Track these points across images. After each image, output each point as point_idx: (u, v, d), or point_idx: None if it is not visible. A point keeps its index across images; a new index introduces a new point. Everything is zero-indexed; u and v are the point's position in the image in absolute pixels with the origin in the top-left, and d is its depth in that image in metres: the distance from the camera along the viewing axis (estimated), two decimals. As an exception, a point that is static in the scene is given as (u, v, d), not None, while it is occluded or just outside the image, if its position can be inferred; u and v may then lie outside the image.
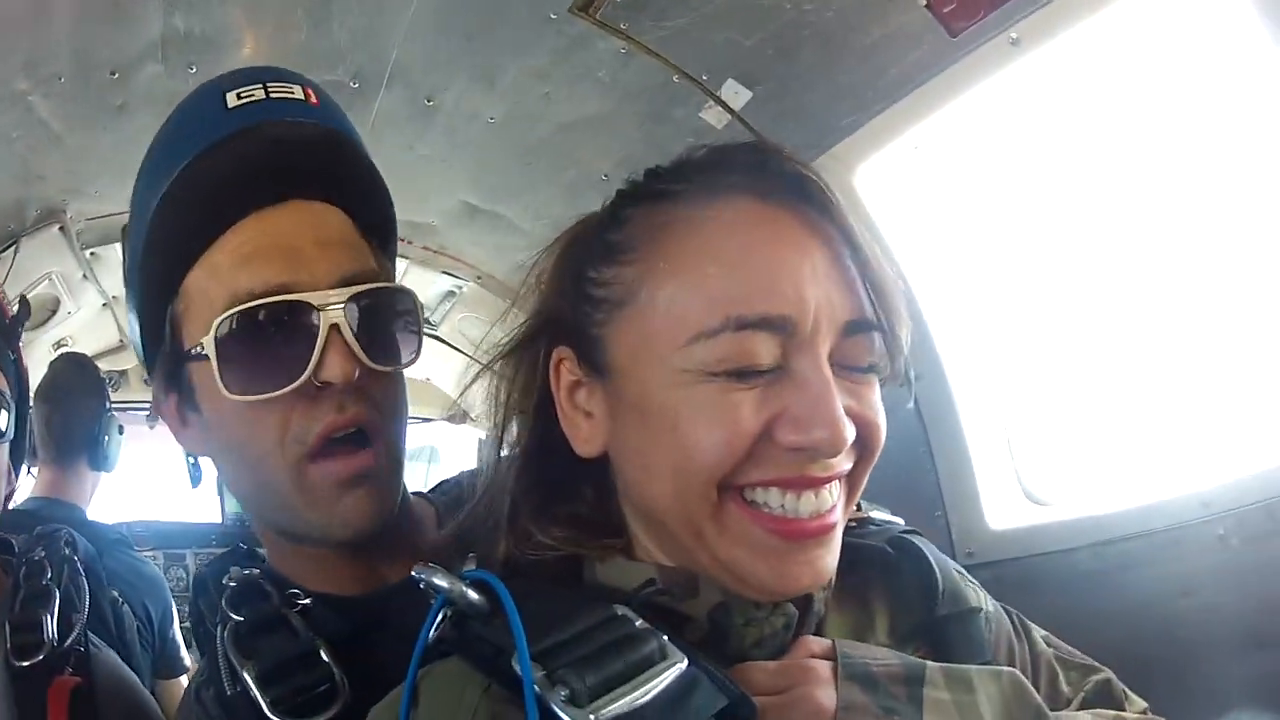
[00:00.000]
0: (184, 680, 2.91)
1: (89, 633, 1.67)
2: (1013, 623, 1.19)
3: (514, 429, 1.09)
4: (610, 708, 0.81)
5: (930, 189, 2.46)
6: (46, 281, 3.08)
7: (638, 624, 0.90)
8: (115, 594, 2.70)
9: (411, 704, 0.92)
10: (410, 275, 3.67)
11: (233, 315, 1.18)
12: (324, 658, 1.19)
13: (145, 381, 1.40)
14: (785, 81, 2.40)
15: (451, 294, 3.92)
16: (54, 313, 3.22)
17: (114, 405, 3.05)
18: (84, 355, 3.13)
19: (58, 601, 1.64)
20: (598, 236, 1.03)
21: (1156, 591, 2.07)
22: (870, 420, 0.94)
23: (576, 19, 2.38)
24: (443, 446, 5.65)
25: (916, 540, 1.16)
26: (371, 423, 1.25)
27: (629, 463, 0.99)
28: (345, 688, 1.16)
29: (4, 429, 1.46)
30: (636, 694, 0.82)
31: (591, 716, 0.80)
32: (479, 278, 3.74)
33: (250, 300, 1.18)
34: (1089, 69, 2.09)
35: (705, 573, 0.96)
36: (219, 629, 1.23)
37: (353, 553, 1.30)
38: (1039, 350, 2.56)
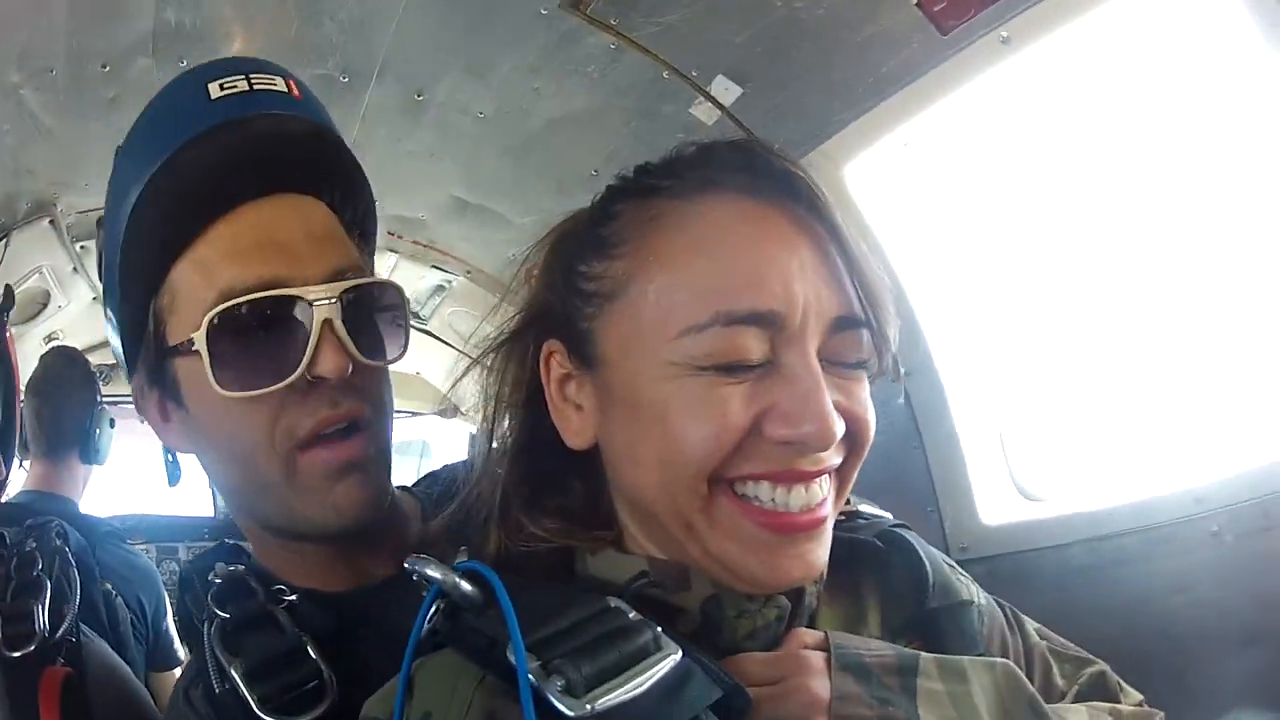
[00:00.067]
0: (178, 673, 2.92)
1: (80, 623, 1.68)
2: (1005, 615, 1.19)
3: (504, 422, 1.09)
4: (606, 698, 0.81)
5: (920, 186, 2.45)
6: (37, 275, 3.08)
7: (631, 616, 0.90)
8: (108, 587, 2.71)
9: (406, 696, 0.92)
10: (400, 269, 3.68)
11: (224, 310, 1.17)
12: (311, 654, 1.19)
13: (124, 374, 1.38)
14: (775, 78, 2.40)
15: (441, 288, 3.92)
16: (44, 306, 3.22)
17: (105, 399, 3.04)
18: (75, 349, 3.12)
19: (49, 592, 1.64)
20: (588, 231, 1.03)
21: (1150, 587, 2.08)
22: (859, 415, 0.94)
23: (567, 15, 2.38)
24: (434, 441, 5.66)
25: (906, 534, 1.16)
26: (362, 418, 1.25)
27: (619, 455, 0.99)
28: (333, 684, 1.16)
29: None
30: (632, 685, 0.82)
31: (588, 707, 0.80)
32: (469, 272, 3.74)
33: (242, 295, 1.18)
34: (1079, 68, 2.08)
35: (696, 565, 0.96)
36: (205, 626, 1.22)
37: (339, 548, 1.30)
38: (1031, 346, 2.56)
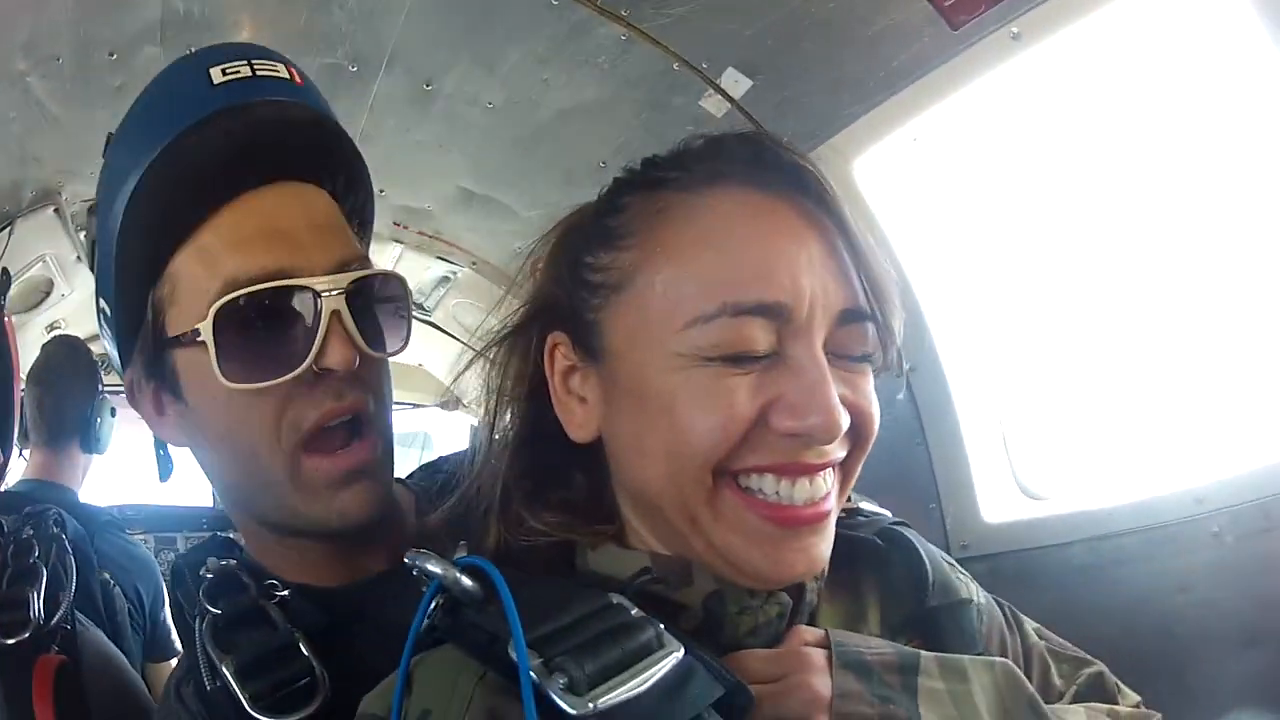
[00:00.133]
0: (175, 663, 2.91)
1: (76, 611, 1.67)
2: (1004, 614, 1.20)
3: (506, 415, 1.09)
4: (608, 696, 0.80)
5: (929, 182, 2.45)
6: (40, 264, 3.05)
7: (633, 612, 0.90)
8: (107, 576, 2.70)
9: (405, 692, 0.91)
10: (405, 260, 3.67)
11: (232, 300, 1.16)
12: (303, 651, 1.18)
13: (116, 370, 1.36)
14: (785, 71, 2.39)
15: (446, 279, 3.90)
16: (47, 295, 3.20)
17: (107, 388, 3.04)
18: (77, 338, 3.11)
19: (44, 580, 1.63)
20: (595, 223, 1.03)
21: (1151, 587, 2.08)
22: (864, 409, 0.95)
23: (577, 5, 2.38)
24: (436, 433, 5.66)
25: (906, 531, 1.17)
26: (366, 410, 1.25)
27: (623, 447, 0.99)
28: (325, 682, 1.16)
29: None
30: (635, 682, 0.82)
31: (590, 705, 0.79)
32: (474, 263, 3.73)
33: (247, 285, 1.16)
34: (1089, 65, 2.08)
35: (699, 559, 0.96)
36: (197, 621, 1.22)
37: (334, 544, 1.29)
38: (1035, 344, 2.56)
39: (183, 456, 1.36)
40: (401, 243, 3.61)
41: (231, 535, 1.39)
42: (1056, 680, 1.18)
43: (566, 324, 1.02)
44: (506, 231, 3.41)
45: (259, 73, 1.23)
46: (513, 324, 1.08)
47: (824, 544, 0.95)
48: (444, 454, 1.59)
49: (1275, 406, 2.00)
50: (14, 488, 2.80)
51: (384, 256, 3.59)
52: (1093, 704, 1.13)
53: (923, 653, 1.00)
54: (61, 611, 1.65)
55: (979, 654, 1.08)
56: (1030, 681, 1.04)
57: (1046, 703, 1.02)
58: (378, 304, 1.27)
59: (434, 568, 0.93)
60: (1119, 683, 1.20)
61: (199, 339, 1.17)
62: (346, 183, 1.33)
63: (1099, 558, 2.18)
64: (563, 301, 1.03)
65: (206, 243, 1.19)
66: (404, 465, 1.43)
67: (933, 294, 2.50)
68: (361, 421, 1.25)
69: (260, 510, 1.29)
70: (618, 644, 0.85)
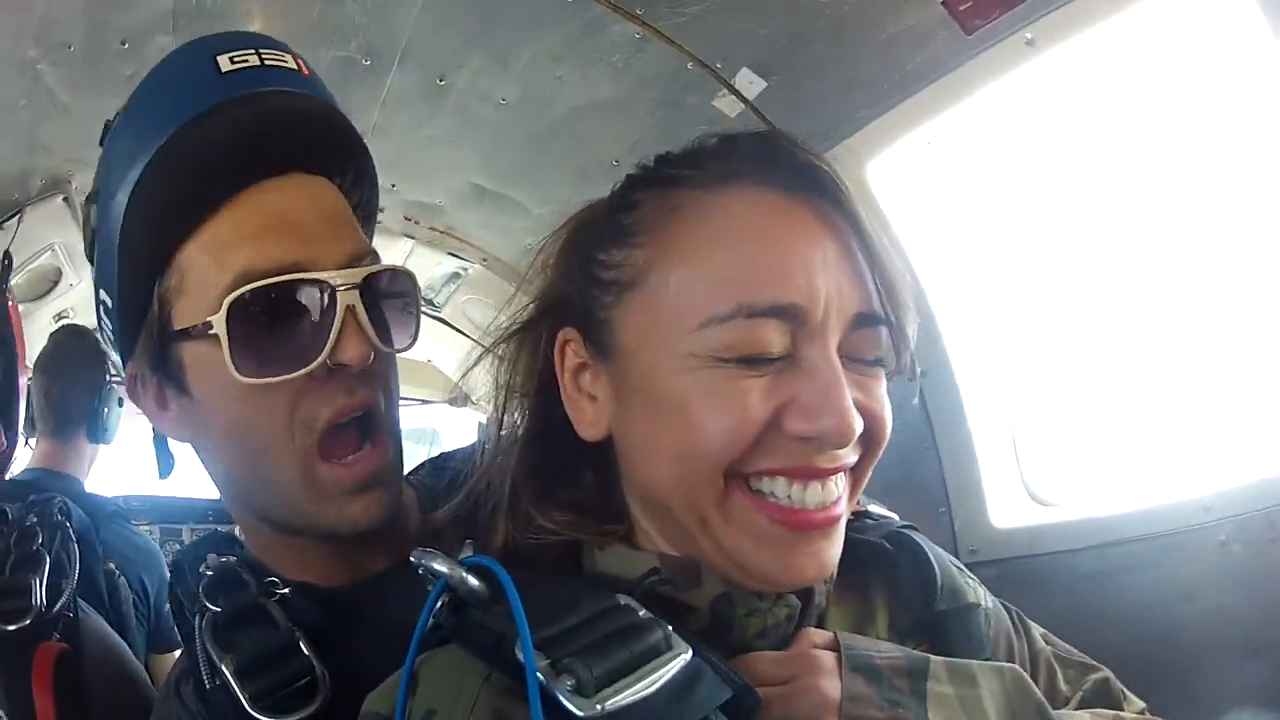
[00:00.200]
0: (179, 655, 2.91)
1: (79, 599, 1.66)
2: (1012, 619, 1.20)
3: (515, 412, 1.08)
4: (616, 698, 0.80)
5: (942, 186, 2.45)
6: (49, 252, 3.04)
7: (641, 614, 0.89)
8: (112, 566, 2.70)
9: (409, 691, 0.91)
10: (416, 255, 3.66)
11: (245, 293, 1.14)
12: (303, 650, 1.17)
13: (114, 364, 1.35)
14: (799, 72, 2.40)
15: (457, 275, 3.90)
16: (56, 284, 3.19)
17: (114, 378, 3.03)
18: (85, 327, 3.10)
19: (47, 567, 1.63)
20: (608, 219, 1.03)
21: (1158, 594, 2.08)
22: (877, 413, 0.94)
23: (592, 2, 2.37)
24: (444, 429, 5.66)
25: (914, 535, 1.16)
26: (378, 407, 1.24)
27: (634, 447, 0.99)
28: (325, 681, 1.15)
29: None
30: (642, 684, 0.81)
31: (598, 707, 0.79)
32: (485, 260, 3.73)
33: (260, 278, 1.15)
34: (1103, 72, 2.09)
35: (707, 561, 0.96)
36: (197, 619, 1.21)
37: (337, 543, 1.27)
38: (1046, 350, 2.56)
39: (184, 449, 1.34)
40: (413, 238, 3.60)
41: (234, 533, 1.38)
42: (1063, 685, 1.17)
43: (577, 321, 1.02)
44: (518, 228, 3.41)
45: (267, 62, 1.21)
46: (523, 320, 1.08)
47: (834, 548, 0.95)
48: (447, 450, 1.58)
49: None
50: (20, 476, 2.80)
51: (395, 251, 3.58)
52: (1098, 710, 1.13)
53: (932, 657, 0.99)
54: (64, 599, 1.64)
55: (986, 658, 1.09)
56: (1037, 686, 1.03)
57: (1053, 708, 1.02)
58: (388, 299, 1.26)
59: (440, 567, 0.92)
60: (1124, 689, 1.19)
61: (210, 332, 1.15)
62: (355, 176, 1.32)
63: (1107, 564, 2.19)
64: (574, 298, 1.03)
65: (217, 234, 1.17)
66: (411, 461, 1.42)
67: (945, 298, 2.51)
68: (372, 419, 1.23)
69: (265, 508, 1.27)
70: (625, 645, 0.84)
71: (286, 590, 1.25)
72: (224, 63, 1.18)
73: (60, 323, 3.25)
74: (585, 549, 1.03)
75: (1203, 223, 2.17)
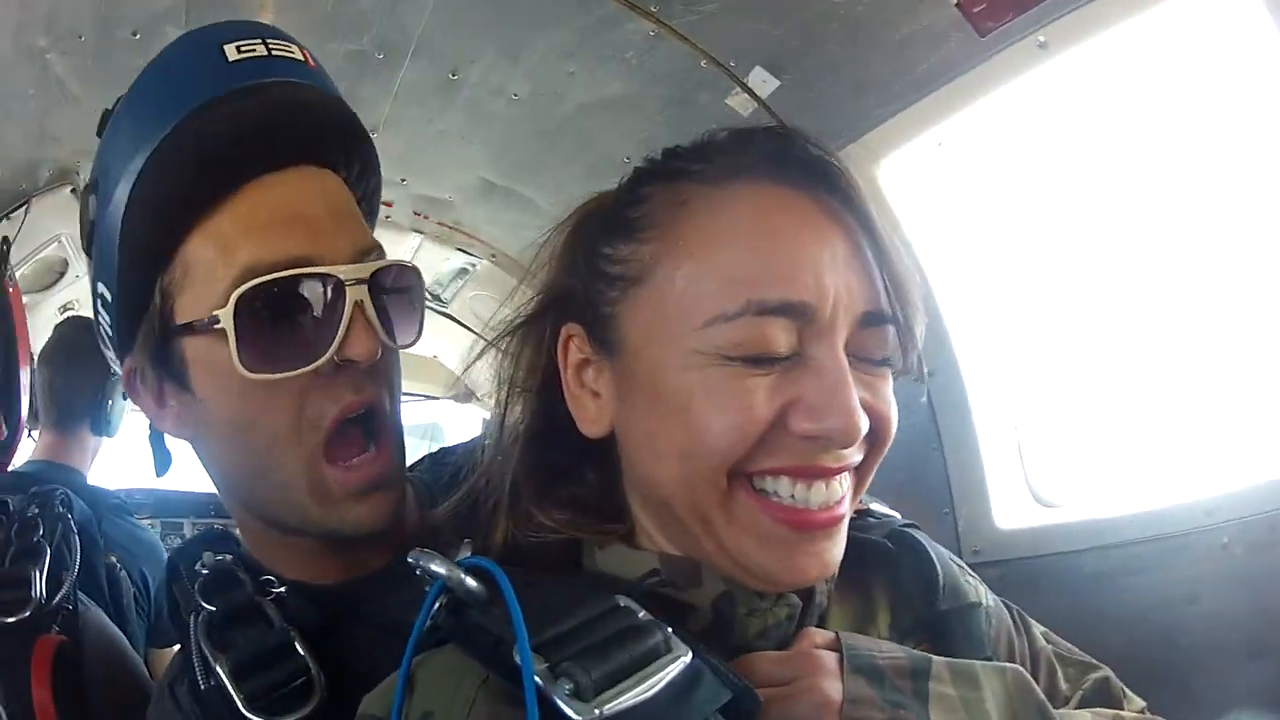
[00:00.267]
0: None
1: (79, 592, 1.65)
2: (1013, 617, 1.19)
3: (517, 408, 1.07)
4: (614, 702, 0.79)
5: (952, 187, 2.46)
6: (56, 243, 3.03)
7: (641, 615, 0.88)
8: (113, 559, 2.69)
9: (406, 693, 0.90)
10: (424, 250, 3.66)
11: (254, 287, 1.12)
12: (299, 650, 1.16)
13: (111, 360, 1.31)
14: (812, 72, 2.40)
15: (465, 271, 3.90)
16: (62, 275, 3.17)
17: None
18: (90, 319, 3.10)
19: (48, 559, 1.62)
20: (614, 213, 1.01)
21: (1160, 597, 2.09)
22: (883, 413, 0.94)
23: (607, -3, 2.37)
24: (449, 425, 5.65)
25: (916, 534, 1.16)
26: (381, 404, 1.22)
27: (637, 445, 0.98)
28: (321, 682, 1.14)
29: None
30: (642, 688, 0.81)
31: (596, 711, 0.78)
32: (493, 255, 3.73)
33: (267, 272, 1.13)
34: (1115, 75, 2.09)
35: (709, 560, 0.95)
36: (192, 618, 1.19)
37: (337, 543, 1.25)
38: (1052, 352, 2.57)
39: (182, 444, 1.32)
40: (421, 233, 3.61)
41: (229, 530, 1.37)
42: (1063, 684, 1.17)
43: (581, 316, 1.01)
44: (527, 224, 3.40)
45: (274, 52, 1.20)
46: (526, 314, 1.07)
47: (837, 548, 0.94)
48: (447, 445, 1.57)
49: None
50: (22, 468, 2.78)
51: (403, 246, 3.58)
52: (1099, 709, 1.12)
53: (934, 658, 0.98)
54: (64, 591, 1.63)
55: (988, 657, 1.08)
56: (1037, 685, 1.03)
57: (1053, 707, 1.01)
58: (395, 294, 1.25)
59: (438, 568, 0.91)
60: (1125, 688, 1.19)
61: (216, 326, 1.13)
62: (360, 169, 1.31)
63: (1110, 566, 2.19)
64: (578, 293, 1.01)
65: (222, 226, 1.15)
66: (413, 456, 1.42)
67: (953, 299, 2.51)
68: (376, 418, 1.22)
69: (265, 507, 1.26)
70: (625, 648, 0.84)
71: (283, 589, 1.24)
72: (231, 52, 1.17)
73: (66, 314, 3.25)
74: (585, 547, 1.02)
75: (1210, 226, 2.18)
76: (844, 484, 0.93)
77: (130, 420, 3.02)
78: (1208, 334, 2.26)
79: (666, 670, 0.83)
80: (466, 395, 4.19)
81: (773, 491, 0.91)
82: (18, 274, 2.80)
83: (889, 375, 0.96)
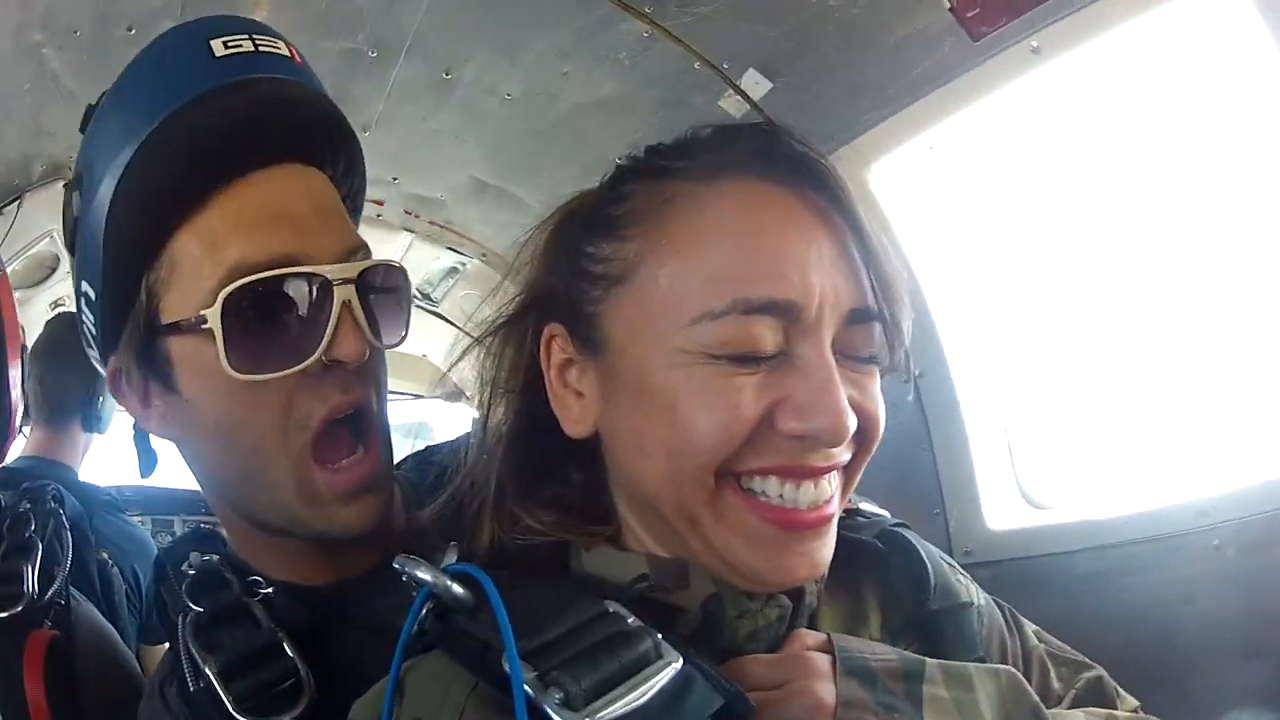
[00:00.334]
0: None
1: (71, 587, 1.65)
2: (1004, 616, 1.19)
3: (500, 409, 1.06)
4: (605, 711, 0.79)
5: (943, 191, 2.47)
6: (48, 239, 3.02)
7: (630, 621, 0.88)
8: (105, 555, 2.68)
9: (395, 699, 0.90)
10: (414, 250, 3.65)
11: (241, 286, 1.11)
12: (287, 651, 1.15)
13: (95, 360, 1.29)
14: (806, 74, 2.40)
15: (455, 270, 3.88)
16: (53, 270, 3.15)
17: (111, 368, 3.01)
18: (83, 316, 3.09)
19: (40, 554, 1.61)
20: (597, 211, 1.00)
21: (1154, 597, 2.09)
22: (870, 411, 0.93)
23: (602, -1, 2.38)
24: (435, 423, 5.64)
25: (906, 533, 1.15)
26: (369, 404, 1.22)
27: (622, 445, 0.97)
28: (310, 683, 1.13)
29: None
30: (632, 696, 0.80)
31: None
32: (483, 255, 3.72)
33: (256, 271, 1.12)
34: (1107, 81, 2.10)
35: (697, 561, 0.94)
36: (180, 619, 1.19)
37: (325, 544, 1.24)
38: (1043, 353, 2.58)
39: (168, 444, 1.30)
40: (412, 231, 3.59)
41: (216, 529, 1.36)
42: (1055, 684, 1.16)
43: (564, 315, 1.00)
44: (518, 224, 3.30)
45: (261, 48, 1.19)
46: (507, 313, 1.06)
47: (826, 548, 0.94)
48: (433, 444, 1.56)
49: (1278, 422, 2.02)
50: (13, 464, 2.77)
51: (393, 245, 3.57)
52: (1092, 709, 1.12)
53: (927, 660, 0.98)
54: (56, 586, 1.62)
55: (979, 657, 1.08)
56: (1030, 685, 1.03)
57: (1046, 707, 1.01)
58: (382, 294, 1.24)
59: (424, 575, 0.91)
60: (1118, 687, 1.18)
61: (203, 326, 1.12)
62: (346, 167, 1.30)
63: (1103, 567, 2.20)
64: (560, 291, 1.00)
65: (209, 224, 1.14)
66: (400, 455, 1.40)
67: (943, 300, 2.52)
68: (364, 418, 1.22)
69: (252, 508, 1.24)
70: (615, 655, 0.83)
71: (270, 590, 1.23)
72: (217, 47, 1.16)
73: (56, 310, 3.23)
74: (572, 549, 1.02)
75: (1201, 228, 2.19)
76: (833, 483, 0.93)
77: (121, 417, 3.02)
78: (1200, 335, 2.27)
79: (657, 677, 0.82)
80: (456, 394, 4.18)
81: (761, 491, 0.90)
82: (9, 269, 2.78)
83: (876, 373, 0.95)
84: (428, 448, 1.52)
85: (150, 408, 1.23)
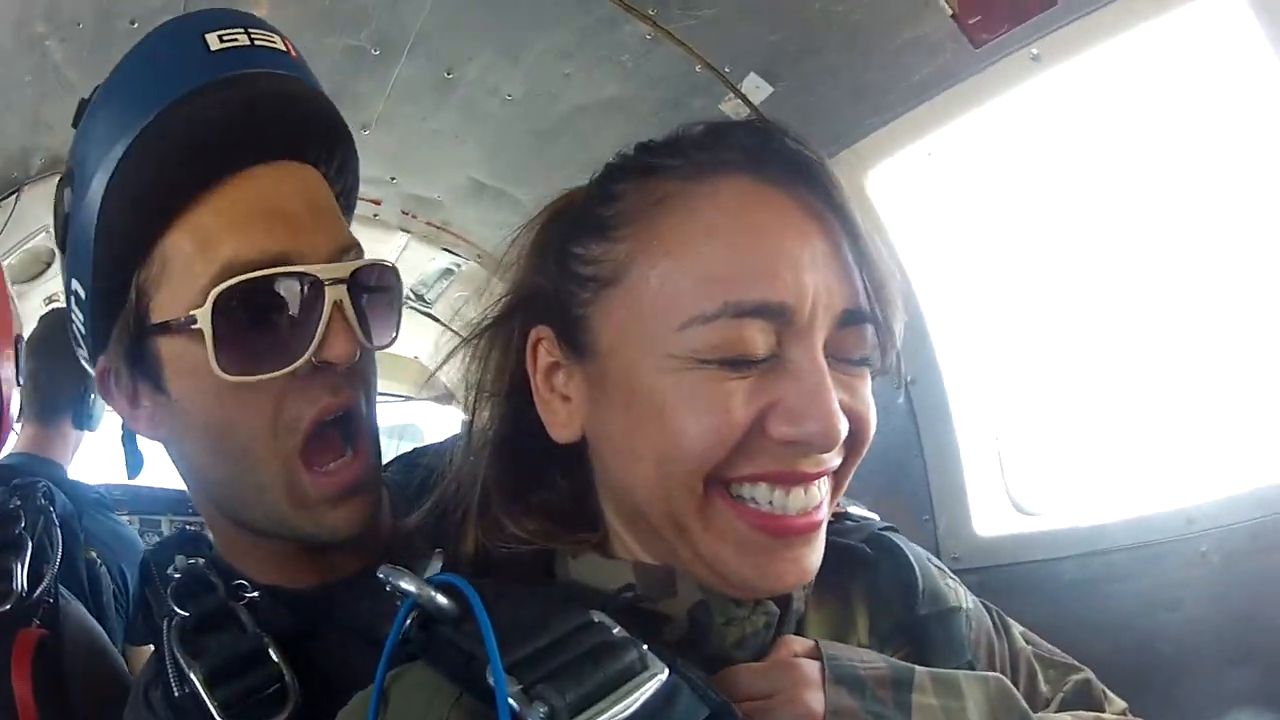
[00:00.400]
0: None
1: (60, 585, 1.63)
2: (992, 619, 1.17)
3: (486, 412, 1.04)
4: None
5: (939, 198, 2.49)
6: (44, 234, 3.00)
7: (615, 632, 0.86)
8: (93, 554, 2.66)
9: (380, 707, 0.89)
10: (410, 250, 3.64)
11: (232, 286, 1.10)
12: (272, 656, 1.14)
13: (84, 360, 1.26)
14: (807, 78, 2.42)
15: (450, 271, 3.87)
16: (49, 265, 3.12)
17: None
18: (77, 312, 3.07)
19: (29, 552, 1.60)
20: (585, 211, 0.98)
21: (1141, 604, 2.11)
22: (861, 414, 0.91)
23: (606, 1, 2.38)
24: (426, 425, 5.61)
25: (894, 537, 1.14)
26: (358, 406, 1.20)
27: (610, 451, 0.95)
28: (295, 688, 1.12)
29: None
30: (617, 709, 0.79)
31: None
32: (479, 256, 3.70)
33: (247, 270, 1.10)
34: (1106, 89, 2.12)
35: (684, 568, 0.93)
36: (165, 623, 1.17)
37: (312, 547, 1.23)
38: (1032, 362, 2.60)
39: (155, 444, 1.28)
40: (408, 232, 3.58)
41: (201, 532, 1.34)
42: (1043, 686, 1.15)
43: (551, 318, 0.97)
44: (515, 225, 3.34)
45: (257, 42, 1.17)
46: (493, 315, 1.03)
47: (815, 554, 0.92)
48: (420, 445, 1.54)
49: (1265, 431, 2.04)
50: (4, 460, 2.75)
51: (389, 245, 3.56)
52: (1079, 712, 1.11)
53: (916, 668, 0.97)
54: (45, 584, 1.60)
55: (968, 661, 1.08)
56: (1017, 687, 1.02)
57: (1033, 710, 1.00)
58: (373, 294, 1.22)
59: (408, 586, 0.89)
60: (1106, 689, 1.18)
61: (193, 326, 1.10)
62: (340, 164, 1.28)
63: (1089, 574, 2.21)
64: (548, 293, 0.98)
65: (201, 220, 1.11)
66: (388, 456, 1.39)
67: (937, 309, 2.54)
68: (353, 420, 1.20)
69: (240, 511, 1.23)
70: (600, 667, 0.81)
71: (255, 594, 1.22)
72: (212, 41, 1.14)
73: (50, 306, 3.21)
74: (558, 557, 1.00)
75: (1194, 238, 2.22)
76: (823, 489, 0.91)
77: (111, 415, 3.00)
78: (1189, 345, 2.29)
79: (642, 689, 0.81)
80: (446, 396, 4.17)
81: (750, 498, 0.89)
82: (5, 263, 2.77)
83: (868, 375, 0.94)
84: (415, 450, 1.51)
85: (139, 408, 1.21)
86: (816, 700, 0.91)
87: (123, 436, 1.28)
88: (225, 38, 1.14)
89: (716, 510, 0.89)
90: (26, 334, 2.78)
